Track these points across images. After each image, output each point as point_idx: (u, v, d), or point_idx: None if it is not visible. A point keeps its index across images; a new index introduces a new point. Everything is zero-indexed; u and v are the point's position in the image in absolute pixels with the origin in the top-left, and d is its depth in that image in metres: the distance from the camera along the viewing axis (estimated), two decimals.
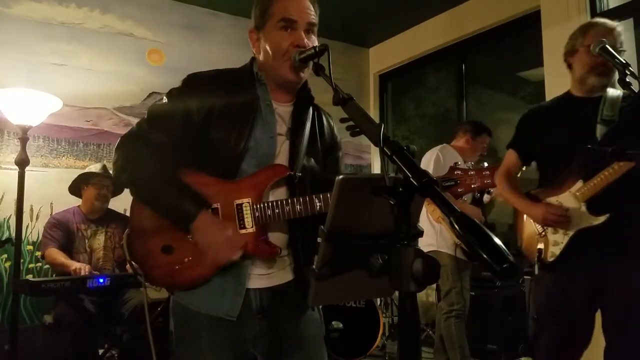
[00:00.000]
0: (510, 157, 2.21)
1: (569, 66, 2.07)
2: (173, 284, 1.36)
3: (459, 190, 1.30)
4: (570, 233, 1.92)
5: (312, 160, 1.43)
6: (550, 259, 1.97)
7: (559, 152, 1.99)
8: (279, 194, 1.38)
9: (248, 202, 1.32)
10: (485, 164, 1.33)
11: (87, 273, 2.92)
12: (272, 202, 1.32)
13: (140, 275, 1.34)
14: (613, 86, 1.98)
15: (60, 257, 3.06)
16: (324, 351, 1.45)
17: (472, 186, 1.30)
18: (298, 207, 1.31)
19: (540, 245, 2.00)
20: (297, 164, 1.38)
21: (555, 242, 1.97)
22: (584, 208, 1.90)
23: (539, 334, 2.03)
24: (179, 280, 1.33)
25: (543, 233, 2.02)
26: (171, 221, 1.32)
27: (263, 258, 1.36)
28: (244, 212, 1.33)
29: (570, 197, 1.94)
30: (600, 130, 1.90)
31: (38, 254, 3.59)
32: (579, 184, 1.93)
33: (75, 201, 3.34)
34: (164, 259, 1.32)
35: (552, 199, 2.01)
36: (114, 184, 3.30)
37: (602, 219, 1.86)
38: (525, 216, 2.15)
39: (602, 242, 1.86)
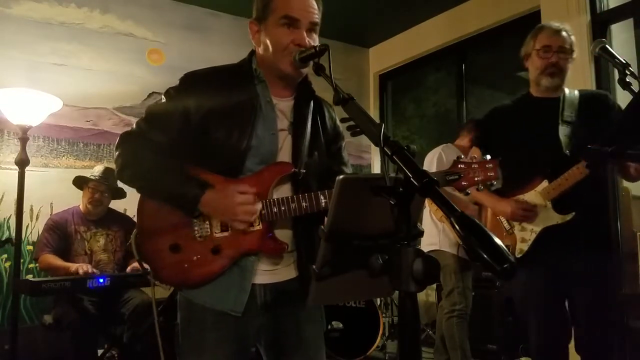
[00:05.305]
0: (474, 155, 2.22)
1: (527, 69, 2.16)
2: (182, 282, 1.37)
3: (463, 183, 1.29)
4: (537, 230, 1.96)
5: (316, 154, 1.43)
6: (519, 256, 2.01)
7: (523, 151, 2.01)
8: (283, 191, 1.39)
9: None
10: (488, 157, 1.32)
11: (87, 270, 2.91)
12: (278, 199, 1.33)
13: (149, 274, 1.35)
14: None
15: (56, 261, 3.04)
16: (323, 352, 1.46)
17: (476, 179, 1.30)
18: (304, 203, 1.32)
19: (507, 243, 2.04)
20: (301, 160, 1.38)
21: (523, 239, 2.00)
22: (549, 206, 1.95)
23: (529, 332, 2.05)
24: (187, 278, 1.34)
25: (511, 230, 2.05)
26: (178, 206, 1.32)
27: (270, 255, 1.37)
28: None
29: (536, 196, 1.98)
30: (562, 130, 1.98)
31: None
32: (545, 183, 1.97)
33: (76, 200, 3.32)
34: (173, 257, 1.34)
35: (518, 197, 2.03)
36: (111, 188, 3.26)
37: (568, 217, 1.92)
38: (489, 213, 2.16)
39: (568, 239, 1.91)
